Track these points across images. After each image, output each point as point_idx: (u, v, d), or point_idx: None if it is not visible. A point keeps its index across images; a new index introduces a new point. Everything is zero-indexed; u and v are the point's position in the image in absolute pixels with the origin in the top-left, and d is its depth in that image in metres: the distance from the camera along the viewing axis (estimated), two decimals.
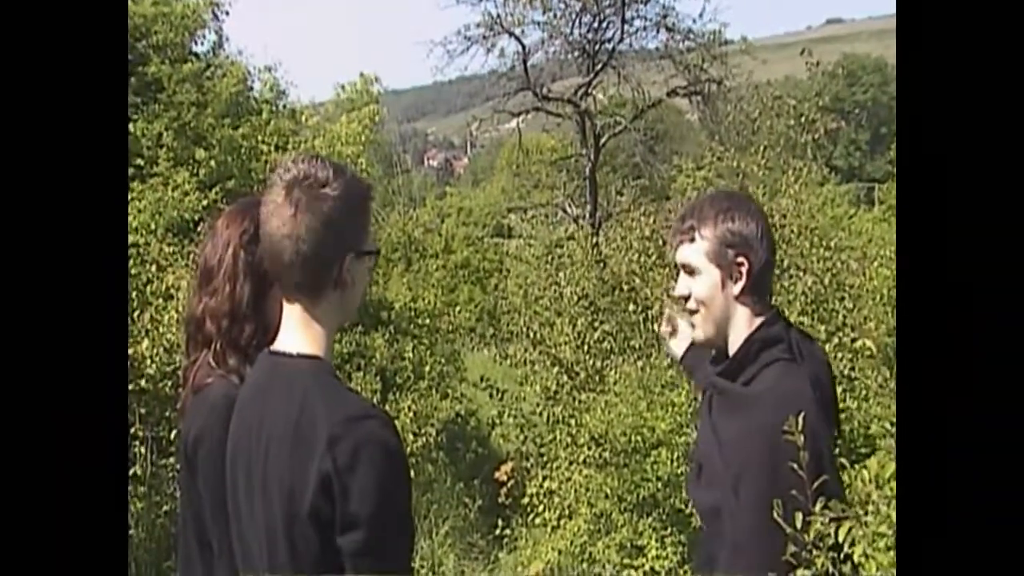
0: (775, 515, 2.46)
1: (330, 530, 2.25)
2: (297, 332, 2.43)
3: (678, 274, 3.00)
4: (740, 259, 2.84)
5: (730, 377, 2.86)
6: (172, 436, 6.28)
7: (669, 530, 6.87)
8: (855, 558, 2.31)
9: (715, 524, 2.88)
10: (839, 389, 6.39)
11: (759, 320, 2.86)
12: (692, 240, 2.91)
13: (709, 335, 2.96)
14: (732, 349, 2.90)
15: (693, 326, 3.00)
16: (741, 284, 2.85)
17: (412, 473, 2.44)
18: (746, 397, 2.79)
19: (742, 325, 2.88)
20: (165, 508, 6.49)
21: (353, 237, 2.39)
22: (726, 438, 2.81)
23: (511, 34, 24.88)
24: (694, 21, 25.01)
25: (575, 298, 9.03)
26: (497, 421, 9.82)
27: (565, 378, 8.61)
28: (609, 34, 25.26)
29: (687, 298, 2.95)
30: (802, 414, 2.47)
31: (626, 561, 6.95)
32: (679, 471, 6.66)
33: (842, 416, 6.16)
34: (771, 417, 2.62)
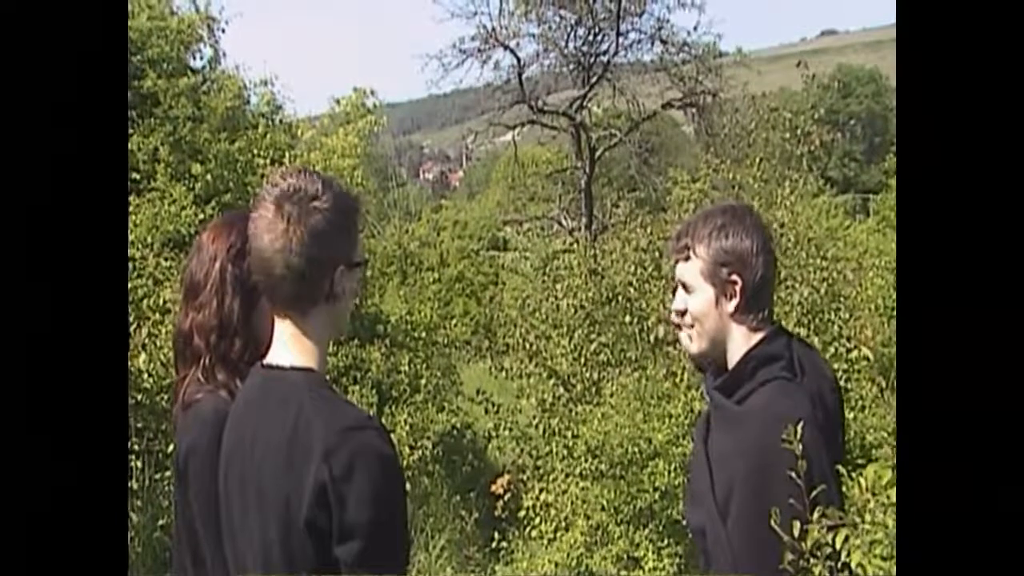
0: (764, 534, 2.47)
1: (326, 540, 2.25)
2: (289, 346, 2.43)
3: (675, 289, 3.00)
4: (733, 277, 2.82)
5: (727, 393, 2.85)
6: (168, 450, 6.27)
7: (666, 541, 6.88)
8: (852, 566, 2.31)
9: (702, 543, 2.89)
10: None
11: (758, 336, 2.85)
12: (687, 259, 2.90)
13: (704, 350, 2.95)
14: (731, 365, 2.89)
15: (690, 339, 3.00)
16: (735, 302, 2.84)
17: (408, 486, 2.44)
18: (738, 415, 2.79)
19: (739, 341, 2.86)
20: (161, 522, 6.47)
21: (343, 249, 2.39)
22: (718, 454, 2.81)
23: (506, 47, 24.96)
24: (689, 34, 25.14)
25: (571, 310, 9.03)
26: (493, 434, 9.83)
27: (561, 390, 8.62)
28: (604, 47, 25.36)
29: (683, 312, 2.95)
30: (797, 432, 2.46)
31: (623, 573, 6.96)
32: (676, 482, 6.66)
33: None
34: (761, 438, 2.63)
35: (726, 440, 2.80)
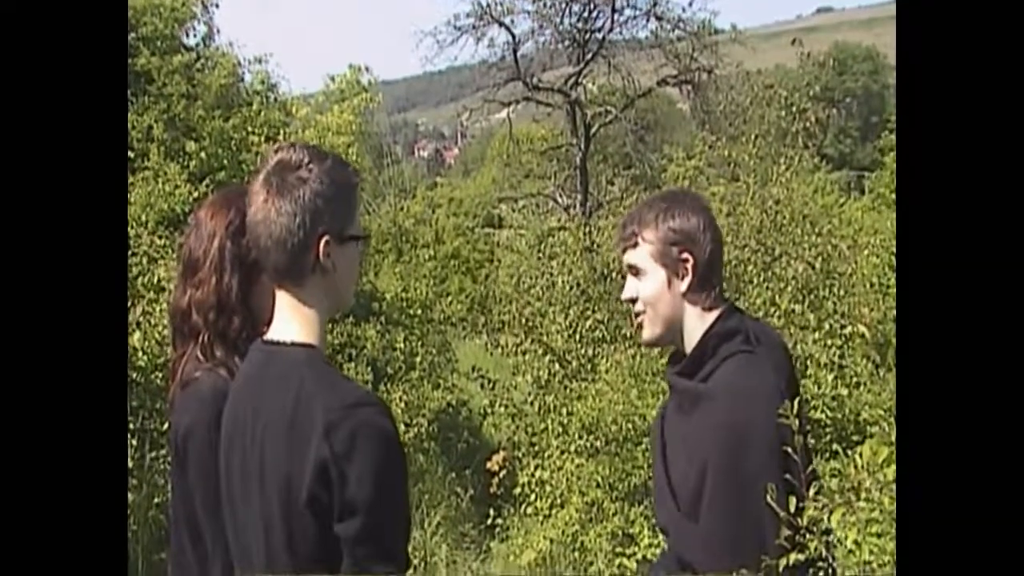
0: (743, 510, 2.50)
1: (328, 517, 2.25)
2: (289, 320, 2.42)
3: (624, 278, 2.99)
4: (684, 255, 2.83)
5: (688, 375, 2.85)
6: (164, 428, 6.27)
7: None
8: (848, 544, 2.31)
9: (669, 541, 2.91)
10: (830, 377, 6.44)
11: (713, 315, 2.85)
12: (635, 245, 2.90)
13: (659, 335, 2.94)
14: (688, 347, 2.88)
15: (642, 326, 2.97)
16: (687, 280, 2.84)
17: None
18: (704, 393, 2.79)
19: (694, 321, 2.86)
20: (156, 500, 6.48)
21: (331, 221, 2.37)
22: (685, 438, 2.81)
23: (501, 23, 24.91)
24: (684, 10, 25.12)
25: (566, 287, 9.03)
26: (489, 411, 9.84)
27: (557, 367, 8.61)
28: (599, 23, 25.32)
29: (634, 300, 2.93)
30: (764, 406, 2.48)
31: (618, 550, 6.96)
32: None
33: (833, 403, 6.19)
34: (731, 413, 2.65)
35: (692, 421, 2.80)
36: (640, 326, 2.97)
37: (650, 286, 2.88)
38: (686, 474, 2.77)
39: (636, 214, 2.94)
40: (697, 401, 2.82)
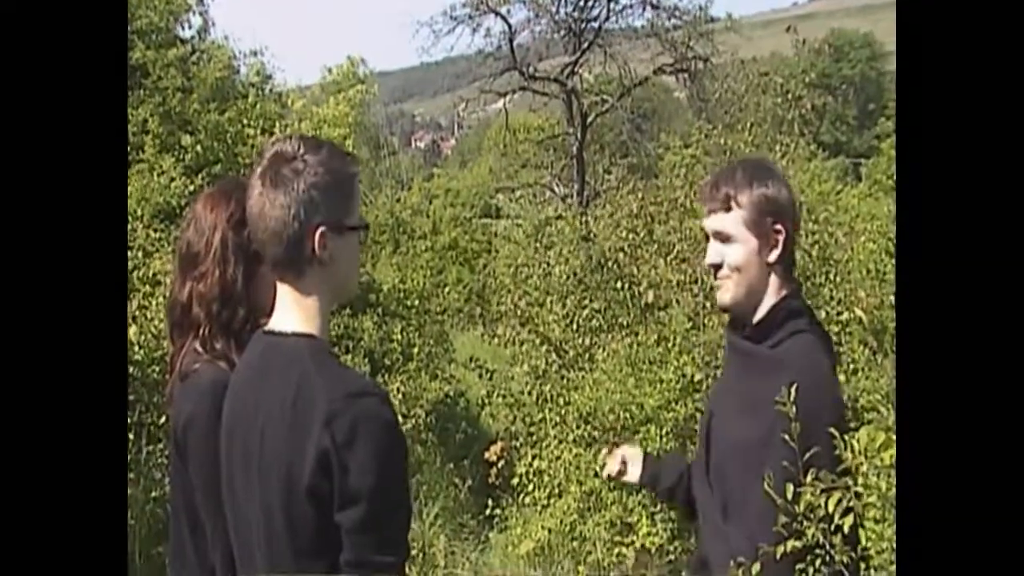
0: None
1: (328, 507, 2.26)
2: (290, 311, 2.43)
3: (707, 240, 2.97)
4: (778, 226, 2.84)
5: (755, 341, 2.88)
6: (161, 422, 6.26)
7: (659, 507, 6.88)
8: (845, 529, 2.31)
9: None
10: None
11: (785, 291, 2.87)
12: (728, 209, 2.88)
13: (739, 299, 2.92)
14: (757, 317, 2.90)
15: (726, 289, 2.93)
16: (777, 252, 2.85)
17: None
18: (774, 360, 2.81)
19: (771, 293, 2.88)
20: (154, 494, 6.46)
21: (327, 211, 2.37)
22: (753, 400, 2.79)
23: (497, 13, 24.94)
24: None
25: (563, 277, 9.01)
26: (486, 401, 9.80)
27: (554, 357, 8.60)
28: (595, 12, 25.36)
29: (719, 266, 2.92)
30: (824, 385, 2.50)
31: (616, 539, 6.96)
32: (667, 447, 6.66)
33: None
34: (800, 379, 2.61)
35: (763, 385, 2.75)
36: (720, 289, 2.96)
37: (740, 253, 2.87)
38: (747, 435, 2.78)
39: (729, 177, 2.92)
40: (765, 366, 2.83)
